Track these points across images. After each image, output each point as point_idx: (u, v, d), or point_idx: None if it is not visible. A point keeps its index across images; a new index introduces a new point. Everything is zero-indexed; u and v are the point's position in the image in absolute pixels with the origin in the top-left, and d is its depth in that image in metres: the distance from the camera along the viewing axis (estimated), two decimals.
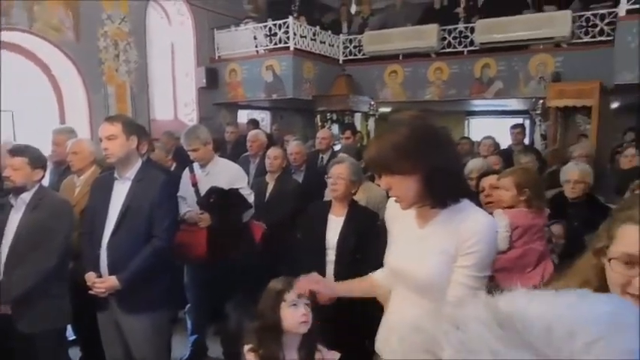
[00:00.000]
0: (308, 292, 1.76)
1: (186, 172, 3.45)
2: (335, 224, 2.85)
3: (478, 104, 8.97)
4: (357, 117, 8.22)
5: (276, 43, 7.77)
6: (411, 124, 1.50)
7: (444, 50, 7.85)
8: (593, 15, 6.56)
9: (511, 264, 2.46)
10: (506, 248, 2.46)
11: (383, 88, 8.29)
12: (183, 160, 4.01)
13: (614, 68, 5.49)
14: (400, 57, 8.18)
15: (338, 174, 2.81)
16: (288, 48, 7.63)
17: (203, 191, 3.22)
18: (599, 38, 6.45)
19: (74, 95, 6.40)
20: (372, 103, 8.09)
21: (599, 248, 1.11)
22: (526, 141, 7.68)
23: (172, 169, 4.48)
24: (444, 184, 1.49)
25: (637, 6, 5.39)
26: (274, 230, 4.06)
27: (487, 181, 2.91)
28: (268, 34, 7.86)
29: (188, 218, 3.20)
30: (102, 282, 2.42)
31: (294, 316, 1.72)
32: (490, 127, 9.90)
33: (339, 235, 2.78)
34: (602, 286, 1.10)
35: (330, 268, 2.83)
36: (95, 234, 2.51)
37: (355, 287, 1.84)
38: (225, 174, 3.30)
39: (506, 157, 5.54)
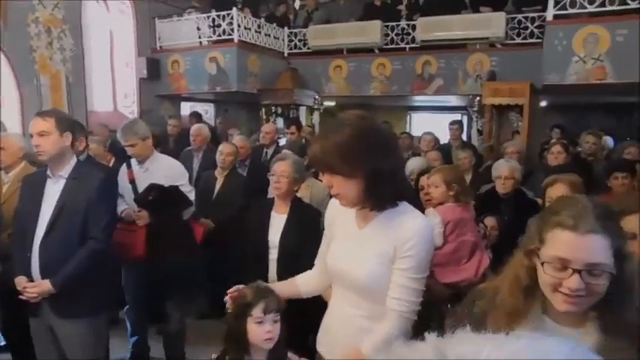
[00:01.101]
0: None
1: (124, 168, 3.33)
2: (277, 222, 2.84)
3: (420, 100, 9.20)
4: (302, 111, 8.24)
5: (220, 35, 7.63)
6: (356, 126, 1.50)
7: (386, 46, 7.98)
8: (524, 18, 6.86)
9: (447, 258, 2.56)
10: (441, 244, 2.56)
11: (328, 82, 8.34)
12: (122, 154, 3.88)
13: (543, 69, 5.78)
14: (344, 52, 8.24)
15: (280, 172, 2.81)
16: (232, 40, 7.51)
17: (141, 188, 3.11)
18: (530, 40, 6.76)
19: (3, 86, 6.02)
20: (317, 97, 8.12)
21: (530, 250, 1.18)
22: (464, 136, 7.99)
23: (111, 164, 4.32)
24: (385, 189, 1.52)
25: (563, 12, 5.69)
26: (222, 228, 4.02)
27: (425, 180, 3.01)
28: (212, 25, 7.70)
29: (125, 216, 3.10)
30: (33, 286, 2.30)
31: (258, 333, 1.69)
32: (431, 122, 10.18)
33: (282, 234, 2.78)
34: (532, 285, 1.17)
35: (272, 267, 2.82)
36: (26, 235, 2.38)
37: (284, 289, 1.83)
38: (165, 170, 3.21)
39: (445, 152, 5.73)
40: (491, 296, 1.27)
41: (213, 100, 9.08)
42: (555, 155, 4.54)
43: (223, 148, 4.27)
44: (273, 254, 2.82)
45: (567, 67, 5.58)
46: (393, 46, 7.96)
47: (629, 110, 8.98)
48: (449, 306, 2.46)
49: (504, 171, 3.50)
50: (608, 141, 6.94)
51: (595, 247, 1.06)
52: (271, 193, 3.76)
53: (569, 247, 1.08)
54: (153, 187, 2.99)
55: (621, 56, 5.34)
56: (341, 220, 1.66)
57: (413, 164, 4.08)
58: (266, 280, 2.83)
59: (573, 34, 5.52)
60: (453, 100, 8.67)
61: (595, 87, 5.68)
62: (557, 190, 2.60)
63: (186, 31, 7.91)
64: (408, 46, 7.84)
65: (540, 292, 1.16)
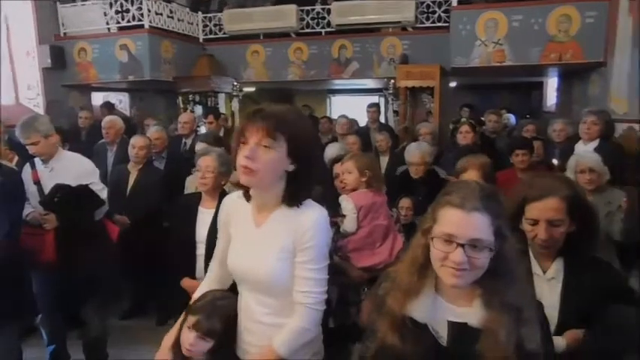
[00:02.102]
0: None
1: (27, 168, 3.10)
2: (205, 217, 2.79)
3: (338, 83, 9.29)
4: (222, 98, 8.06)
5: (129, 21, 7.23)
6: (308, 119, 1.56)
7: (303, 31, 7.96)
8: (432, 2, 7.10)
9: (362, 243, 2.63)
10: (355, 229, 2.62)
11: (246, 68, 8.19)
12: (25, 152, 3.60)
13: (450, 52, 6.03)
14: (261, 37, 8.12)
15: (205, 166, 2.75)
16: (142, 26, 7.14)
17: (47, 189, 2.92)
18: (439, 24, 7.01)
19: None
20: (236, 83, 7.95)
21: (425, 228, 1.25)
22: (382, 118, 8.19)
23: (14, 163, 4.01)
24: (307, 183, 1.54)
25: None
26: (140, 224, 3.87)
27: (339, 167, 3.04)
28: (120, 10, 7.28)
29: (31, 220, 2.90)
30: None
31: (183, 340, 1.67)
32: (350, 104, 10.35)
33: (209, 229, 2.74)
34: (426, 263, 1.24)
35: (200, 262, 2.78)
36: None
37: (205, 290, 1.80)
38: (73, 169, 3.03)
39: (364, 135, 5.85)
40: (393, 277, 1.33)
41: (127, 88, 8.63)
42: (464, 135, 4.77)
43: (135, 141, 4.09)
44: (201, 250, 2.78)
45: (471, 50, 5.86)
46: (309, 30, 7.95)
47: (529, 89, 9.64)
48: (366, 289, 2.56)
49: (415, 157, 3.65)
50: (511, 118, 7.42)
51: (477, 224, 1.16)
52: (188, 186, 3.69)
53: (455, 223, 1.17)
54: (59, 188, 2.81)
55: (518, 40, 5.69)
56: (237, 220, 1.64)
57: (330, 152, 4.14)
58: (194, 276, 2.79)
59: (475, 19, 5.80)
60: (369, 83, 8.83)
61: (496, 69, 6.02)
62: (469, 176, 2.74)
63: (92, 16, 7.41)
64: (323, 30, 7.86)
65: (433, 271, 1.24)
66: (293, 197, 1.51)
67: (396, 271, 1.34)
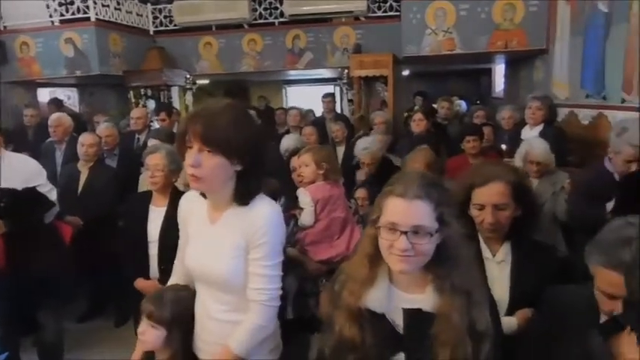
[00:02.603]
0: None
1: None
2: (156, 216, 2.74)
3: (294, 73, 9.24)
4: (175, 91, 7.86)
5: (74, 13, 6.93)
6: (244, 109, 1.53)
7: (256, 22, 7.85)
8: None
9: (320, 236, 2.64)
10: (312, 223, 2.63)
11: (199, 60, 8.02)
12: None
13: (402, 41, 6.10)
14: (213, 28, 7.96)
15: (154, 165, 2.69)
16: (88, 19, 6.86)
17: None
18: (390, 13, 7.06)
19: None
20: (189, 76, 7.78)
21: (373, 219, 1.28)
22: (338, 108, 8.23)
23: None
24: (256, 181, 1.54)
25: None
26: (93, 224, 3.76)
27: (296, 161, 3.04)
28: (64, 2, 6.96)
29: None
30: None
31: (139, 329, 1.67)
32: (306, 94, 10.35)
33: (161, 228, 2.69)
34: (376, 253, 1.27)
35: (154, 263, 2.73)
36: None
37: None
38: (18, 171, 2.87)
39: (320, 126, 5.86)
40: (347, 271, 1.35)
41: (75, 84, 8.30)
42: (417, 122, 4.86)
43: (84, 139, 3.96)
44: (154, 249, 2.73)
45: (422, 39, 5.94)
46: (262, 21, 7.85)
47: (478, 75, 9.90)
48: (324, 281, 2.58)
49: (366, 159, 3.70)
50: (462, 105, 7.60)
51: (419, 211, 1.19)
52: (142, 184, 3.61)
53: (398, 212, 1.20)
54: (4, 193, 2.68)
55: (466, 28, 5.81)
56: (193, 218, 1.63)
57: (286, 143, 4.14)
58: (148, 276, 2.74)
59: (425, 9, 5.88)
60: (325, 73, 8.84)
61: (447, 57, 6.13)
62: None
63: (33, 9, 7.05)
64: (277, 20, 7.78)
65: (384, 262, 1.26)
66: (243, 196, 1.51)
67: (349, 265, 1.36)
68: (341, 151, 4.88)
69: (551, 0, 5.44)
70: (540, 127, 4.11)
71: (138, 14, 7.90)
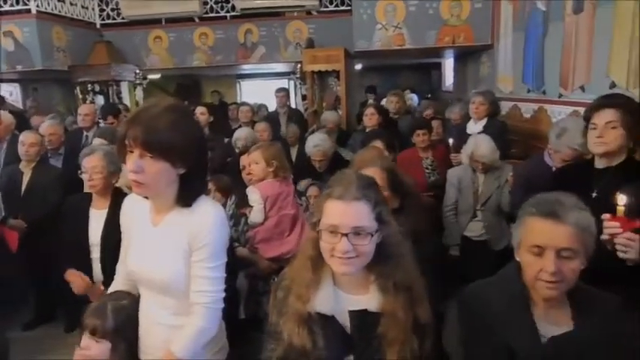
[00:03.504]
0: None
1: None
2: (97, 218, 2.64)
3: (248, 67, 9.11)
4: (124, 86, 7.59)
5: (13, 5, 6.56)
6: (185, 110, 1.51)
7: (207, 15, 7.68)
8: None
9: (270, 233, 2.63)
10: (262, 220, 2.61)
11: (149, 54, 7.77)
12: None
13: (353, 36, 6.12)
14: (163, 22, 7.73)
15: (91, 167, 2.58)
16: (29, 10, 6.51)
17: None
18: (342, 8, 7.06)
19: None
20: (138, 71, 7.54)
21: (314, 222, 1.27)
22: (293, 102, 8.18)
23: None
24: (201, 182, 1.50)
25: None
26: (37, 228, 3.59)
27: (246, 159, 3.00)
28: None
29: None
30: None
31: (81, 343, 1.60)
32: (261, 88, 10.24)
33: (102, 231, 2.59)
34: (319, 255, 1.26)
35: (97, 267, 2.63)
36: None
37: None
38: None
39: (274, 121, 5.82)
40: (291, 276, 1.34)
41: (17, 79, 7.88)
42: (369, 117, 4.87)
43: (25, 137, 3.77)
44: (96, 252, 2.63)
45: (373, 34, 5.99)
46: (213, 14, 7.68)
47: (429, 69, 10.08)
48: (275, 279, 2.56)
49: (317, 156, 3.71)
50: (414, 99, 7.72)
51: (358, 213, 1.20)
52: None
53: (337, 214, 1.21)
54: None
55: (415, 24, 5.90)
56: (136, 220, 1.59)
57: (238, 134, 4.12)
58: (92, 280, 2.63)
59: (375, 4, 5.92)
60: (278, 67, 8.76)
61: (397, 51, 6.20)
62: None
63: None
64: (228, 14, 7.64)
65: (327, 264, 1.26)
66: (186, 198, 1.49)
67: (292, 269, 1.35)
68: (294, 151, 4.86)
69: None
70: (484, 122, 4.23)
71: (83, 7, 7.57)
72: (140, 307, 1.61)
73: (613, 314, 1.30)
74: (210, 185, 3.31)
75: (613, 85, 3.16)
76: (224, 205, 2.85)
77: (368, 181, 1.28)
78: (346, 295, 1.28)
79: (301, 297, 1.27)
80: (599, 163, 2.11)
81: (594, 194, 2.04)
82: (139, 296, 1.63)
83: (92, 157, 2.58)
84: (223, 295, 1.53)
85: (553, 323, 1.32)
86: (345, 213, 1.20)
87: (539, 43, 4.38)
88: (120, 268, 1.73)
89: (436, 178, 3.97)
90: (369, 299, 1.26)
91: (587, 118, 2.11)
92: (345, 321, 1.26)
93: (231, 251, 2.09)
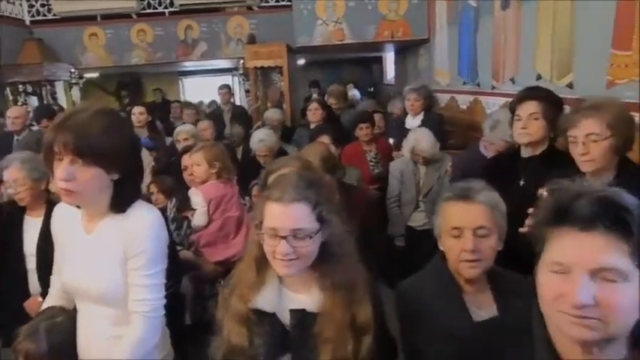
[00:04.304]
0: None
1: None
2: (32, 227, 2.50)
3: (190, 64, 8.90)
4: (60, 86, 7.23)
5: None
6: (117, 114, 1.45)
7: (145, 11, 7.42)
8: None
9: (215, 236, 2.57)
10: (206, 223, 2.56)
11: (84, 52, 7.42)
12: None
13: (294, 32, 6.11)
14: (98, 18, 7.41)
15: (13, 180, 2.40)
16: None
17: None
18: (282, 3, 7.01)
19: None
20: (74, 70, 7.20)
21: (257, 224, 1.26)
22: (237, 99, 8.08)
23: None
24: (134, 187, 1.46)
25: None
26: None
27: (187, 159, 2.92)
28: None
29: None
30: None
31: None
32: (204, 85, 10.04)
33: (38, 240, 2.46)
34: (263, 256, 1.26)
35: (33, 278, 2.50)
36: None
37: None
38: None
39: (218, 119, 5.72)
40: (237, 275, 1.34)
41: None
42: (313, 112, 4.89)
43: None
44: (32, 263, 2.50)
45: (314, 29, 6.01)
46: (151, 10, 7.43)
47: (371, 63, 10.21)
48: (222, 282, 2.53)
49: (262, 151, 3.69)
50: (356, 93, 7.81)
51: (297, 214, 1.19)
52: None
53: (276, 217, 1.20)
54: None
55: (355, 19, 5.96)
56: (67, 229, 1.52)
57: (180, 127, 4.05)
58: (27, 292, 2.50)
59: (315, 0, 5.94)
60: (221, 63, 8.62)
61: (339, 46, 6.25)
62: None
63: None
64: (167, 10, 7.41)
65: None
66: (120, 204, 1.44)
67: (239, 268, 1.34)
68: (239, 151, 4.81)
69: None
70: (421, 116, 4.36)
71: (9, 2, 7.12)
72: (78, 322, 1.54)
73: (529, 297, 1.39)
74: (153, 187, 3.23)
75: (539, 77, 3.32)
76: (166, 208, 2.78)
77: (309, 180, 1.27)
78: (291, 294, 1.29)
79: (243, 297, 1.27)
80: (525, 153, 2.22)
81: (521, 182, 2.15)
82: (75, 310, 1.56)
83: (11, 169, 2.38)
84: (164, 302, 1.48)
85: (480, 307, 1.40)
86: (283, 215, 1.19)
87: (471, 37, 4.54)
88: (54, 280, 1.66)
89: (380, 170, 4.05)
90: (311, 298, 1.26)
91: (512, 110, 2.23)
92: (287, 319, 1.27)
93: (172, 256, 2.06)
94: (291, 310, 1.27)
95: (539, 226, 0.92)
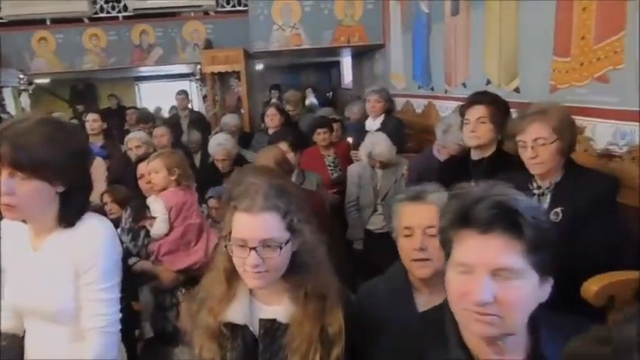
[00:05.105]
0: None
1: None
2: None
3: (146, 69, 8.70)
4: (8, 92, 6.92)
5: None
6: (74, 130, 1.41)
7: (97, 15, 7.21)
8: None
9: (176, 244, 2.51)
10: (166, 231, 2.51)
11: (33, 57, 7.13)
12: None
13: (251, 37, 6.10)
14: (48, 22, 7.14)
15: None
16: None
17: None
18: (239, 8, 6.96)
19: None
20: (22, 76, 6.91)
21: (224, 235, 1.23)
22: (196, 104, 7.96)
23: None
24: (83, 199, 1.41)
25: None
26: None
27: (144, 167, 2.84)
28: None
29: None
30: None
31: None
32: (161, 91, 9.86)
33: None
34: (233, 268, 1.22)
35: None
36: None
37: None
38: None
39: (175, 125, 5.63)
40: (206, 287, 1.30)
41: None
42: (271, 117, 4.86)
43: None
44: None
45: (270, 34, 6.00)
46: (104, 15, 7.23)
47: (329, 68, 10.29)
48: (183, 290, 2.48)
49: (220, 155, 3.66)
50: (314, 100, 7.85)
51: (267, 225, 1.16)
52: None
53: (245, 228, 1.16)
54: None
55: (311, 24, 6.00)
56: (14, 247, 1.45)
57: (132, 135, 3.97)
58: None
59: (271, 5, 5.94)
60: (178, 69, 8.47)
61: (296, 51, 6.27)
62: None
63: None
64: (120, 14, 7.23)
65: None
66: (67, 217, 1.38)
67: (207, 281, 1.31)
68: (197, 156, 4.75)
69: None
70: (381, 118, 4.41)
71: None
72: (28, 344, 1.48)
73: None
74: (106, 197, 3.14)
75: (489, 82, 3.44)
76: (120, 218, 2.71)
77: (278, 187, 1.23)
78: (262, 306, 1.26)
79: (212, 311, 1.24)
80: (475, 155, 2.30)
81: (472, 184, 2.22)
82: (23, 331, 1.50)
83: None
84: (119, 316, 1.45)
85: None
86: (252, 226, 1.15)
87: (425, 42, 4.65)
88: (2, 300, 1.58)
89: (338, 174, 4.08)
90: (281, 309, 1.24)
91: (462, 114, 2.30)
92: (257, 329, 1.25)
93: (126, 267, 2.01)
94: (261, 320, 1.25)
95: (445, 229, 0.98)
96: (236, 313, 1.24)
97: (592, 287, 1.61)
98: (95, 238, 1.39)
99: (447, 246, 0.98)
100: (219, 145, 3.70)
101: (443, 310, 1.29)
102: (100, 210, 3.03)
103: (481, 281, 0.89)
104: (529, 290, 0.91)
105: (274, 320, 1.24)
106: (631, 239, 1.88)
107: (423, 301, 1.44)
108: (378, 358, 1.39)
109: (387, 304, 1.44)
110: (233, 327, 1.24)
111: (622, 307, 1.58)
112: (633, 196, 1.95)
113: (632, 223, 1.94)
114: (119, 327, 1.45)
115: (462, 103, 3.63)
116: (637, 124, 2.04)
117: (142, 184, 2.81)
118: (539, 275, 0.92)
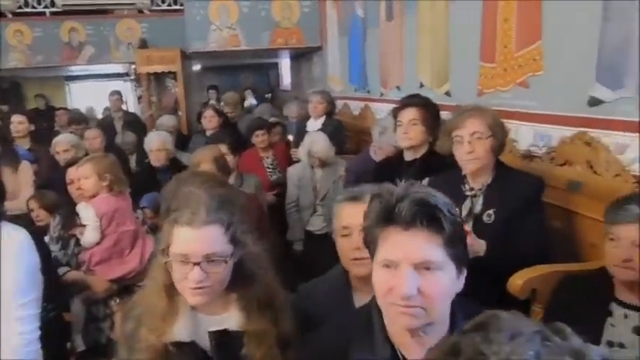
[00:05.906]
0: None
1: None
2: None
3: (77, 69, 8.22)
4: None
5: None
6: None
7: (22, 10, 6.73)
8: None
9: (109, 253, 2.38)
10: (98, 239, 2.37)
11: None
12: None
13: (187, 37, 5.93)
14: None
15: None
16: None
17: None
18: (175, 7, 6.75)
19: None
20: None
21: (163, 249, 1.16)
22: (132, 105, 7.63)
23: None
24: None
25: None
26: None
27: (74, 172, 2.64)
28: None
29: None
30: None
31: None
32: (94, 91, 9.38)
33: None
34: (172, 283, 1.15)
35: None
36: None
37: None
38: None
39: (109, 127, 5.37)
40: (143, 305, 1.22)
41: None
42: (209, 119, 4.76)
43: None
44: None
45: (207, 34, 5.85)
46: (29, 10, 6.76)
47: (268, 69, 10.23)
48: (117, 300, 2.36)
49: (155, 144, 3.55)
50: (252, 101, 7.77)
51: (210, 238, 1.10)
52: None
53: (187, 242, 1.10)
54: None
55: (249, 25, 5.91)
56: None
57: (59, 138, 3.78)
58: None
59: (207, 5, 5.79)
60: (112, 68, 8.09)
61: (234, 52, 6.16)
62: (204, 168, 2.70)
63: None
64: (48, 10, 6.79)
65: None
66: None
67: (144, 297, 1.22)
68: (133, 159, 4.55)
69: (321, 1, 5.85)
70: (323, 119, 4.43)
71: None
72: None
73: None
74: (33, 203, 2.93)
75: (422, 85, 3.53)
76: (48, 226, 2.54)
77: (220, 199, 1.18)
78: (206, 317, 1.20)
79: (156, 329, 1.15)
80: (407, 156, 2.36)
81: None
82: None
83: None
84: (38, 333, 1.35)
85: None
86: (194, 240, 1.10)
87: (361, 46, 4.71)
88: None
89: (278, 176, 4.06)
90: (230, 317, 1.19)
91: (394, 116, 2.35)
92: (207, 345, 1.19)
93: (55, 278, 1.88)
94: (211, 332, 1.18)
95: (370, 228, 1.00)
96: (181, 330, 1.16)
97: (517, 281, 1.68)
98: (8, 250, 1.29)
99: (372, 245, 1.00)
100: (157, 135, 3.66)
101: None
102: (27, 217, 2.84)
103: (406, 275, 0.91)
104: (449, 281, 0.95)
105: (226, 330, 1.19)
106: (551, 235, 1.99)
107: (362, 300, 1.45)
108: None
109: (326, 304, 1.43)
110: (179, 345, 1.16)
111: (543, 300, 1.68)
112: (552, 194, 2.07)
113: (550, 220, 2.05)
114: (38, 345, 1.34)
115: (395, 106, 3.74)
116: (555, 126, 2.17)
117: (71, 190, 2.64)
118: (456, 266, 0.96)
